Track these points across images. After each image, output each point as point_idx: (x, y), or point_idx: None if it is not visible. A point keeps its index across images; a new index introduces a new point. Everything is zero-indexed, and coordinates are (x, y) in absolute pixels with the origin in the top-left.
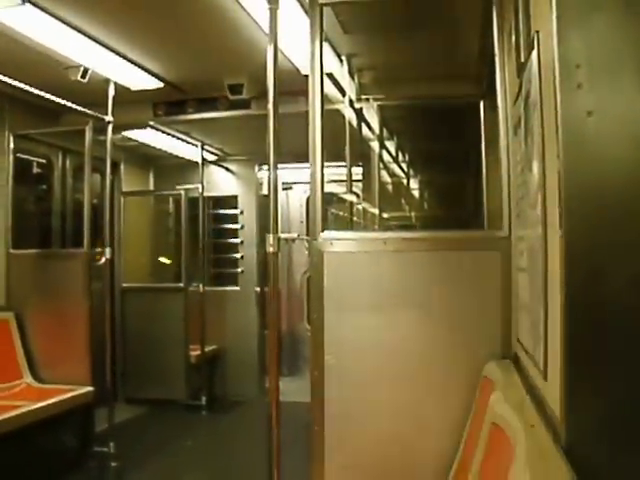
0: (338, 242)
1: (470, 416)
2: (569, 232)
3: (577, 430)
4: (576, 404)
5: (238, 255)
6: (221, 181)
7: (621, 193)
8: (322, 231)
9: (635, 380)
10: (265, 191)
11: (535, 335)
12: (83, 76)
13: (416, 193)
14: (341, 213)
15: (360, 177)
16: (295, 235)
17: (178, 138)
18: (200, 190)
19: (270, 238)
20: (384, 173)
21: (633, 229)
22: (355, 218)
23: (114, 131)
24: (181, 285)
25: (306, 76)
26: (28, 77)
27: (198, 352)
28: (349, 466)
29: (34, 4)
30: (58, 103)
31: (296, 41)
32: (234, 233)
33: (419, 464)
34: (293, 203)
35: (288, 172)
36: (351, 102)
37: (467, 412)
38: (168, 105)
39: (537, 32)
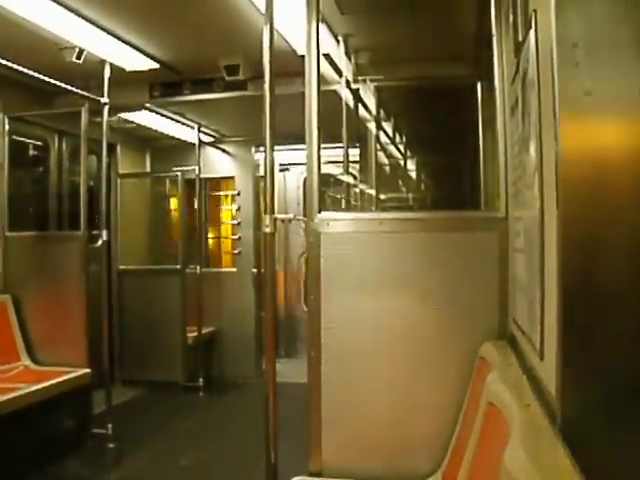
0: (335, 223)
1: (467, 396)
2: (566, 212)
3: (572, 409)
4: (572, 383)
5: (235, 236)
6: (218, 163)
7: (618, 174)
8: (319, 212)
9: (631, 360)
10: (262, 172)
11: (531, 315)
12: (78, 57)
13: (413, 174)
14: (338, 196)
15: (357, 158)
16: (292, 216)
17: (174, 120)
18: (197, 172)
19: (267, 219)
20: (381, 154)
21: (630, 210)
22: (352, 201)
23: (110, 113)
24: (178, 267)
25: (302, 57)
26: (22, 58)
27: (195, 334)
28: (346, 446)
29: None
30: (53, 85)
31: (293, 21)
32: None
33: (416, 443)
34: (290, 185)
35: (285, 154)
36: (348, 83)
37: (464, 392)
38: (164, 86)
39: (535, 11)
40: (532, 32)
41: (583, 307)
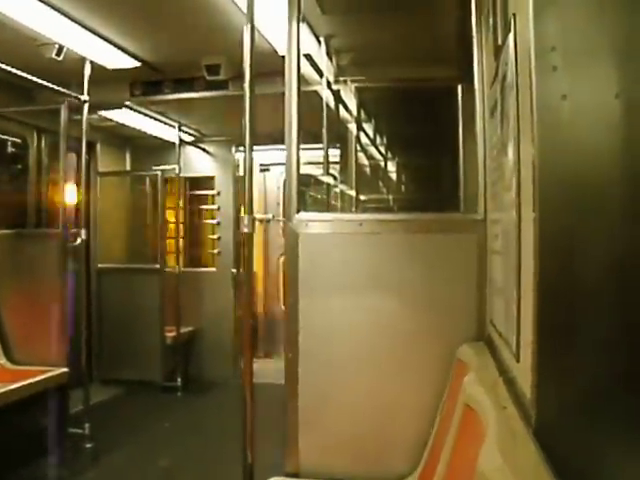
0: (313, 224)
1: (444, 397)
2: (542, 215)
3: (547, 411)
4: (547, 385)
5: (215, 236)
6: (198, 162)
7: (595, 177)
8: (297, 212)
9: (605, 362)
10: (242, 172)
11: (508, 317)
12: (58, 54)
13: (394, 176)
14: (318, 196)
15: (337, 159)
16: (270, 216)
17: (155, 118)
18: (177, 171)
19: (245, 219)
20: (362, 155)
21: (606, 212)
22: (333, 202)
23: (90, 111)
24: (157, 266)
25: (283, 57)
26: (0, 54)
27: (174, 333)
28: (323, 447)
29: None
30: (33, 81)
31: (274, 21)
32: (211, 214)
33: (393, 445)
34: (270, 185)
35: (265, 154)
36: (329, 84)
37: (441, 394)
38: (145, 85)
39: (514, 14)
40: (511, 36)
41: (559, 309)
